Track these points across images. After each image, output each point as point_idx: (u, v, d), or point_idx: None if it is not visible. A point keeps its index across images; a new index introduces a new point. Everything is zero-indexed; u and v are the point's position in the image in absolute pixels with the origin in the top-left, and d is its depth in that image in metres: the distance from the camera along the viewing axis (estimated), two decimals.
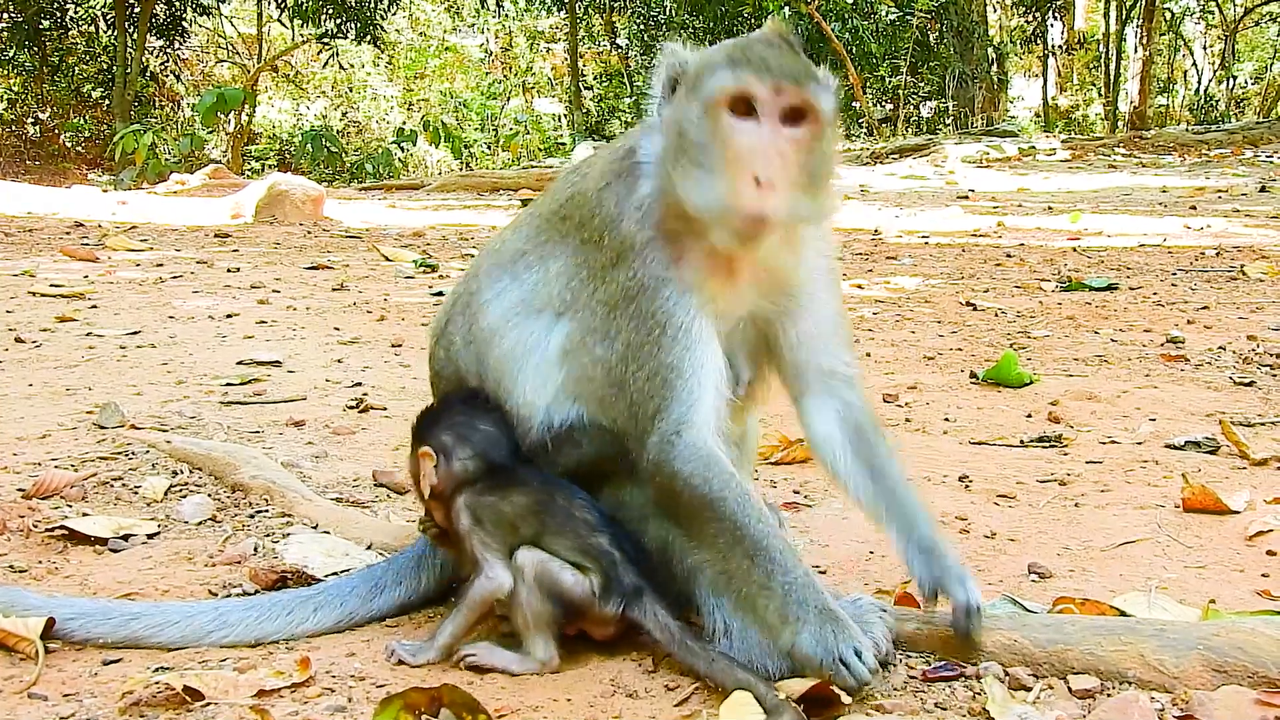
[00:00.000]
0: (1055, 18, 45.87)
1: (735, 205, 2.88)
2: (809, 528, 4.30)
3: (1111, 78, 41.80)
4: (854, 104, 36.10)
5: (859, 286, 10.43)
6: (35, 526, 4.02)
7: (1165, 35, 43.88)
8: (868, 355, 7.51)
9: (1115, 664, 2.97)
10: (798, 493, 4.72)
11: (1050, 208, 17.61)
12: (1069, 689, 2.94)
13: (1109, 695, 2.89)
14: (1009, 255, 12.58)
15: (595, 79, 42.91)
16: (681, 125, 3.00)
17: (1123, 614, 3.33)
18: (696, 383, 3.05)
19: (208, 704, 2.85)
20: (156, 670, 3.03)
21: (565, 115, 37.38)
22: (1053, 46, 46.85)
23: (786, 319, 3.34)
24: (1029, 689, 2.96)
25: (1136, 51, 39.63)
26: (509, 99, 45.79)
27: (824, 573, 3.82)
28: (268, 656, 3.16)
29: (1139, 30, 39.77)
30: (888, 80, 37.80)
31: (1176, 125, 38.00)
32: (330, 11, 36.53)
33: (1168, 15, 42.84)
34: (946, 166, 25.48)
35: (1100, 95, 44.33)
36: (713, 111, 2.94)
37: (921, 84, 38.38)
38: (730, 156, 2.91)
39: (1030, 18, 44.52)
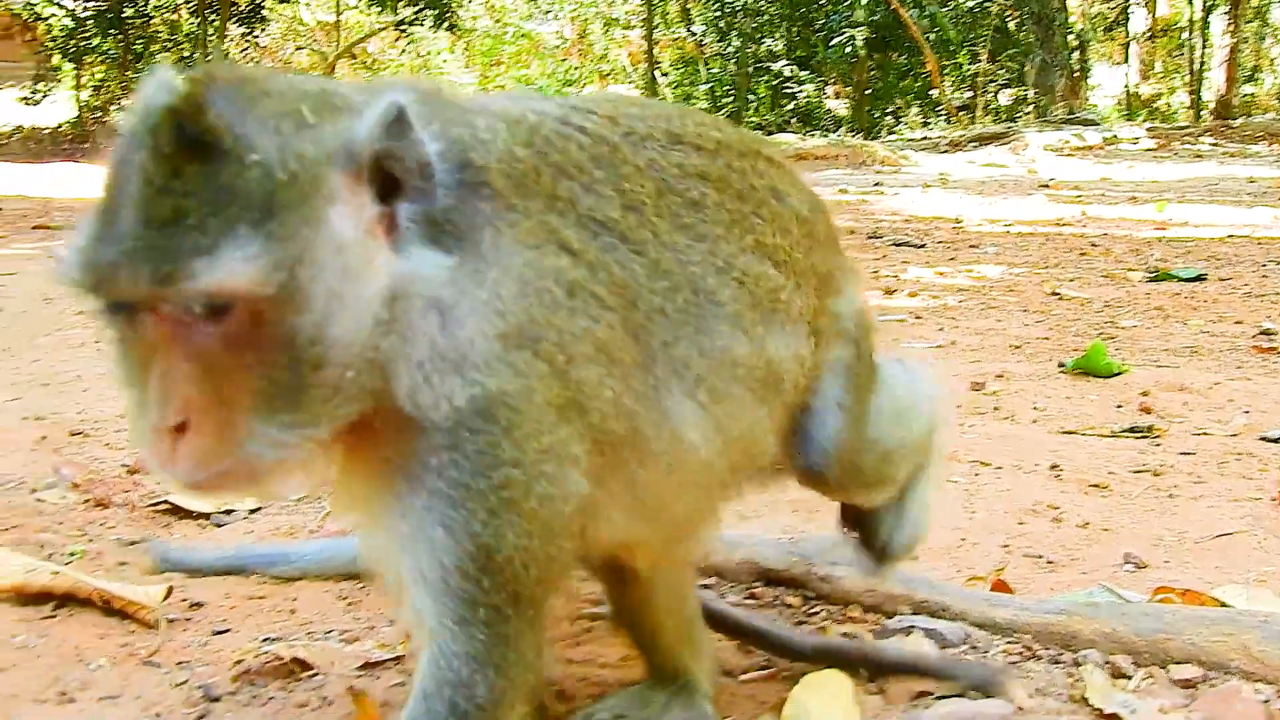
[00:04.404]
0: (1138, 4, 45.15)
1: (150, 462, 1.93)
2: None
3: (1196, 66, 41.04)
4: (931, 91, 35.81)
5: (941, 274, 10.36)
6: (140, 501, 4.13)
7: (1252, 22, 42.98)
8: (953, 343, 7.47)
9: (1217, 654, 2.94)
10: None
11: (1135, 197, 17.35)
12: (1170, 679, 2.92)
13: (1212, 685, 2.87)
14: (1093, 245, 12.43)
15: (670, 66, 42.89)
16: None
17: (1223, 605, 3.30)
18: None
19: (315, 674, 2.92)
20: (265, 640, 3.10)
21: None
22: (1135, 34, 46.08)
23: None
24: (1129, 677, 2.94)
25: (1222, 39, 38.89)
26: (584, 86, 45.90)
27: (914, 559, 3.81)
28: (371, 630, 3.23)
29: (1224, 17, 39.03)
30: (966, 67, 37.39)
31: (1264, 114, 37.27)
32: None
33: (1254, 1, 41.94)
34: (1027, 155, 25.19)
35: (1184, 83, 43.56)
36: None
37: (1001, 71, 37.93)
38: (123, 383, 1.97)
39: (1112, 4, 43.84)
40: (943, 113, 35.88)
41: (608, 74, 46.99)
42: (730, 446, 2.38)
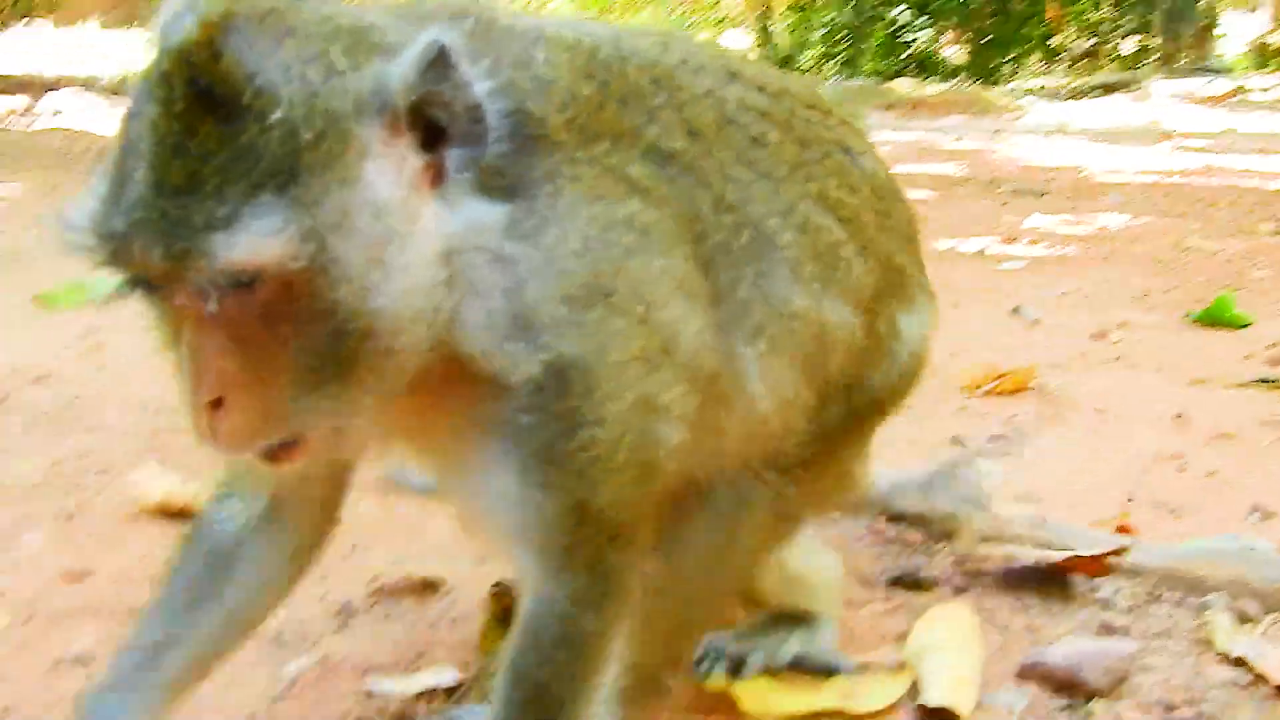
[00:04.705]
0: None
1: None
2: (1019, 460, 4.28)
3: None
4: (1052, 38, 34.99)
5: (1063, 223, 10.19)
6: None
7: None
8: (1075, 292, 7.37)
9: None
10: (1007, 424, 4.69)
11: (1264, 149, 16.84)
12: None
13: None
14: (1220, 196, 12.11)
15: (785, 10, 42.41)
16: None
17: None
18: None
19: (447, 593, 3.03)
20: (397, 561, 3.21)
21: (754, 49, 37.06)
22: None
23: None
24: (1256, 622, 2.94)
25: None
26: (698, 32, 45.59)
27: (1036, 503, 3.81)
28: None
29: None
30: (1089, 14, 36.44)
31: None
32: None
33: None
34: (1152, 104, 24.55)
35: None
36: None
37: (1125, 18, 36.93)
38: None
39: None
40: (1064, 60, 35.05)
41: (721, 20, 46.55)
42: (778, 412, 2.22)
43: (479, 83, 1.75)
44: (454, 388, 1.87)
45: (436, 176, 1.75)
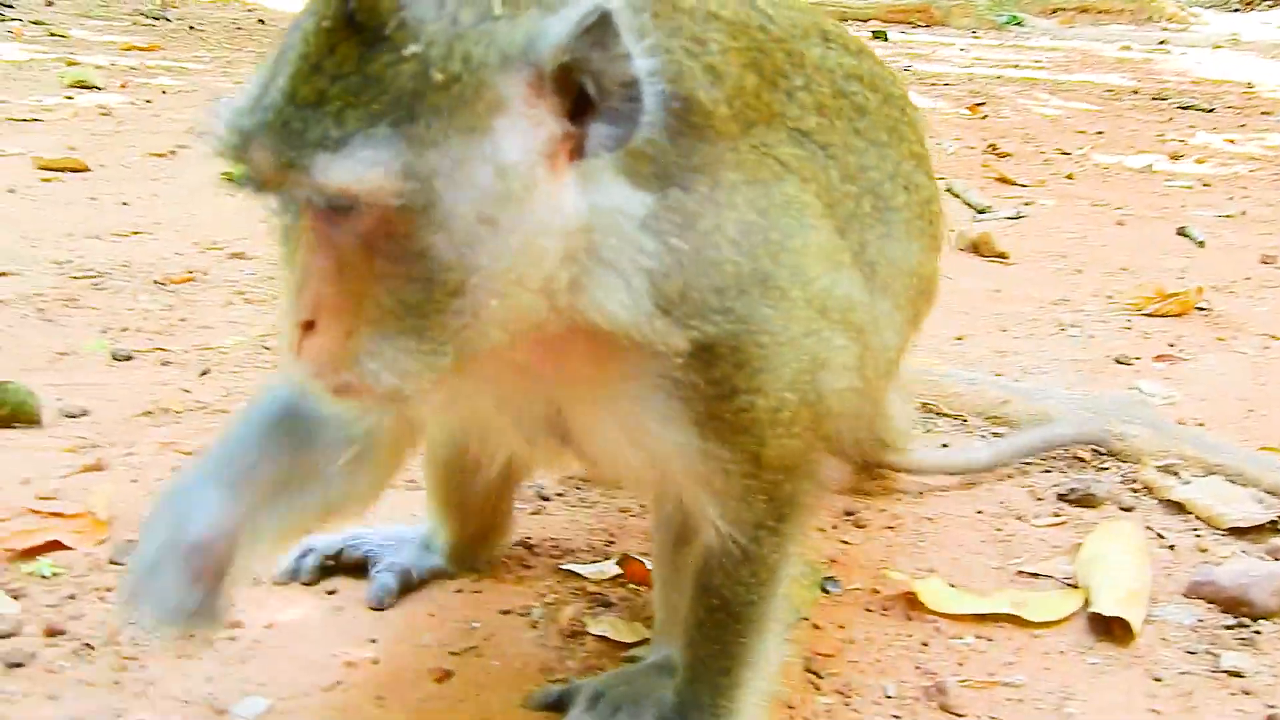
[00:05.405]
0: None
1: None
2: (1185, 381, 4.30)
3: None
4: None
5: (1231, 141, 9.93)
6: None
7: None
8: (1243, 214, 7.23)
9: None
10: (1172, 346, 4.69)
11: None
12: None
13: None
14: None
15: None
16: None
17: None
18: None
19: None
20: None
21: None
22: None
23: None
24: None
25: None
26: None
27: (1202, 425, 3.85)
28: None
29: None
30: None
31: None
32: None
33: None
34: None
35: None
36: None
37: None
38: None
39: None
40: None
41: None
42: (897, 357, 2.39)
43: (641, 59, 1.64)
44: (595, 348, 1.85)
45: (576, 149, 1.67)
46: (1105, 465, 3.49)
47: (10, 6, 13.62)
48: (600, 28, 1.60)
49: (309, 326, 1.67)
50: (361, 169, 1.55)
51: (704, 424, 1.90)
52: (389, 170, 1.56)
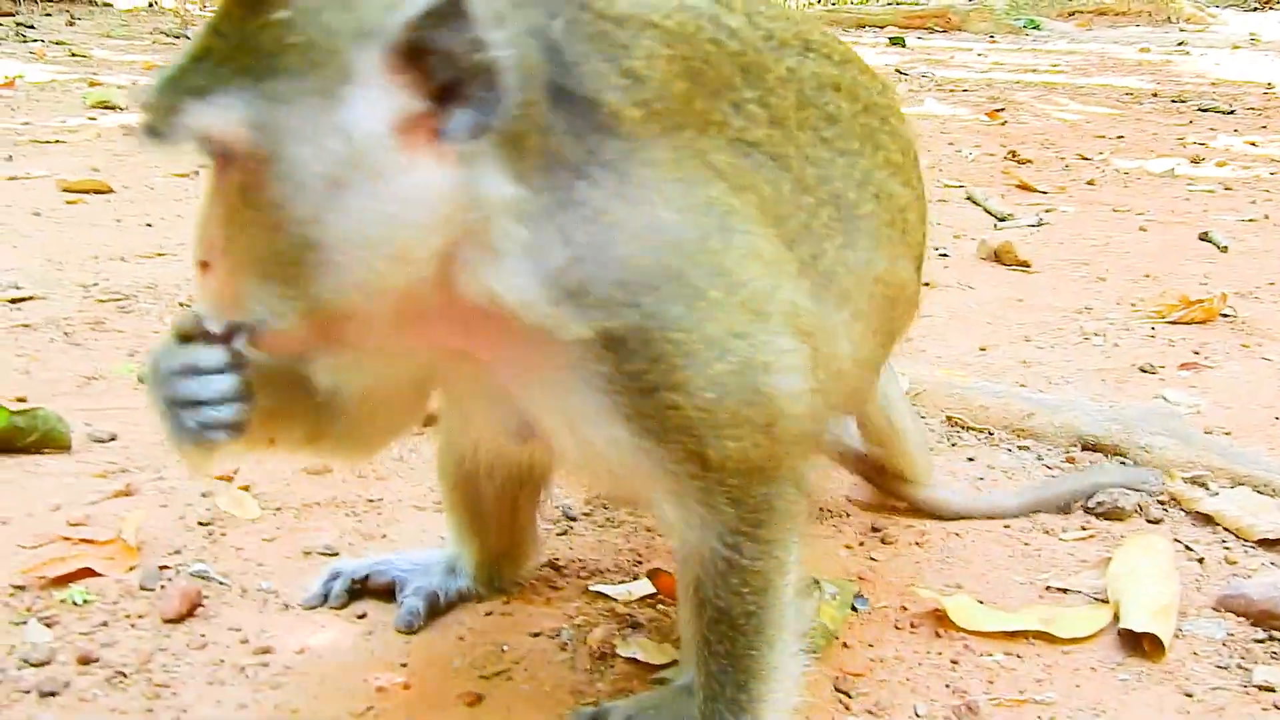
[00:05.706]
0: None
1: None
2: (1210, 389, 4.29)
3: None
4: None
5: (1252, 144, 9.89)
6: None
7: None
8: (1265, 218, 7.20)
9: None
10: (1197, 353, 4.68)
11: None
12: None
13: None
14: None
15: None
16: None
17: None
18: None
19: None
20: None
21: None
22: None
23: None
24: None
25: None
26: None
27: (1229, 434, 3.83)
28: None
29: None
30: None
31: None
32: None
33: None
34: None
35: None
36: None
37: None
38: None
39: None
40: None
41: None
42: (855, 367, 2.34)
43: (499, 48, 1.70)
44: (518, 335, 1.88)
45: (436, 130, 1.73)
46: None
47: (32, 28, 13.73)
48: (449, 10, 1.67)
49: (205, 267, 1.81)
50: (217, 116, 1.69)
51: (634, 420, 1.91)
52: (239, 120, 1.69)
